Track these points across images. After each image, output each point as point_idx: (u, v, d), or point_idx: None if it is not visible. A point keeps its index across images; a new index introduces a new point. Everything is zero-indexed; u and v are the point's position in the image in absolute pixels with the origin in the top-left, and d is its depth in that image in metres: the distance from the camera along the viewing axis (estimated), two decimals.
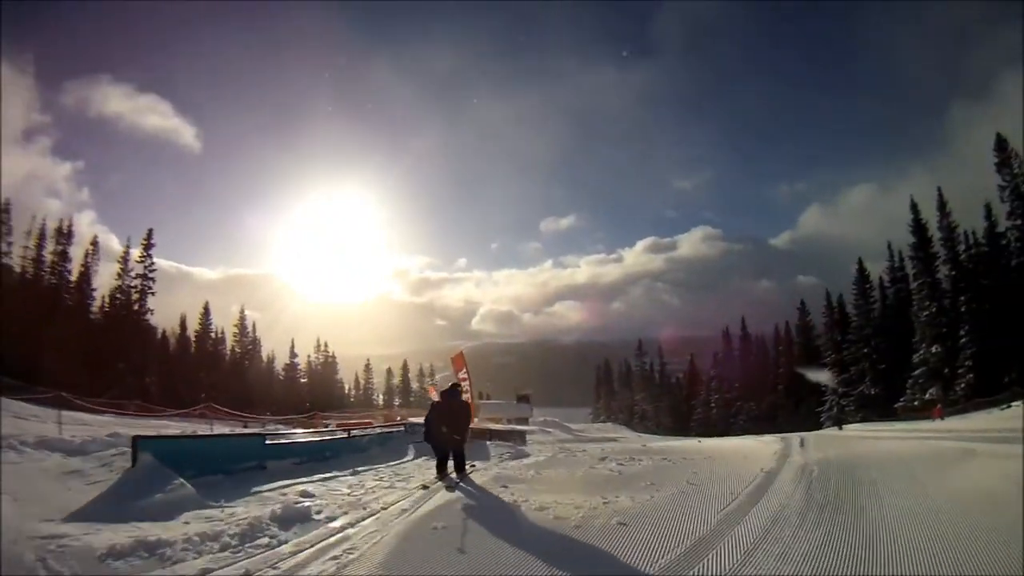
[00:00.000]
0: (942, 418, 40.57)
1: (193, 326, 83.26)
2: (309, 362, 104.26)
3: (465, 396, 21.73)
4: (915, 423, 40.92)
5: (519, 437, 20.37)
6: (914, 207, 64.56)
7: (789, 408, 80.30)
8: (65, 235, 68.15)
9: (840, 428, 45.22)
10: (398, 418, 57.24)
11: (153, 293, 72.94)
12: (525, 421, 55.63)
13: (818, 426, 67.50)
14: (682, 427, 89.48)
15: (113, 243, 71.79)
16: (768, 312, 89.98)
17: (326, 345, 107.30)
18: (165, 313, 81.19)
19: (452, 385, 13.99)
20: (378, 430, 18.69)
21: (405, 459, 15.44)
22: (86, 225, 75.85)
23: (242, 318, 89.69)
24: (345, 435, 16.40)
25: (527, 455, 15.17)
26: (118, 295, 70.84)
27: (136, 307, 71.65)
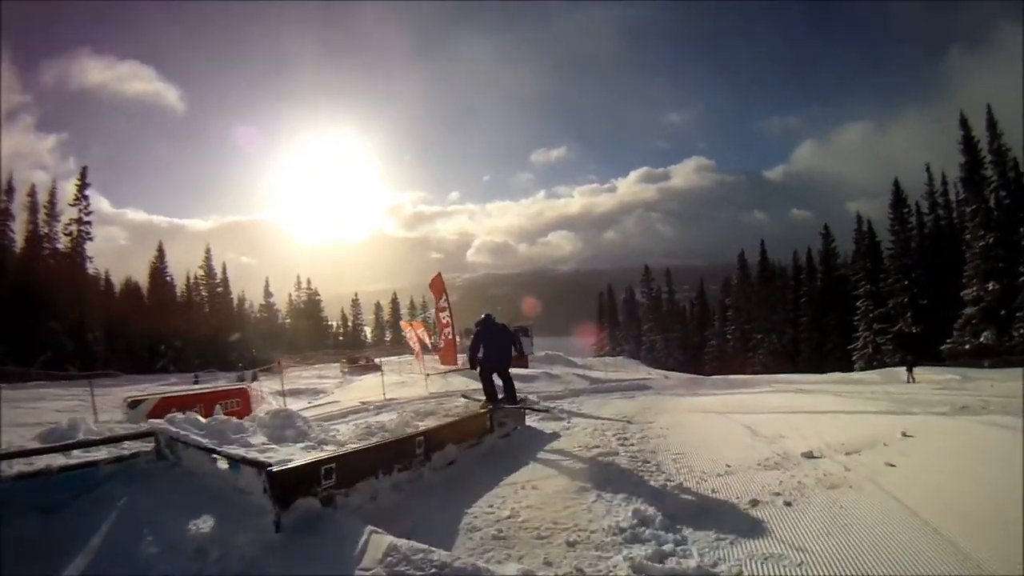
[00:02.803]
0: None
1: (181, 279, 78.11)
2: (291, 301, 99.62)
3: (447, 331, 22.72)
4: (1009, 372, 32.89)
5: (514, 420, 11.12)
6: (963, 123, 56.76)
7: (813, 343, 73.61)
8: (6, 191, 60.09)
9: (910, 375, 36.49)
10: (364, 359, 49.87)
11: (91, 238, 65.00)
12: (524, 361, 47.34)
13: (849, 366, 61.35)
14: (694, 360, 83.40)
15: (104, 205, 64.50)
16: (764, 242, 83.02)
17: (308, 282, 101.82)
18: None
19: (485, 316, 12.05)
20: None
21: None
22: (75, 190, 69.03)
23: (207, 259, 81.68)
24: None
25: None
26: (46, 244, 62.25)
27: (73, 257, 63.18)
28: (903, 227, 63.45)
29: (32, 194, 61.92)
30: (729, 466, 7.12)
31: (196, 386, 29.16)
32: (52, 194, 63.08)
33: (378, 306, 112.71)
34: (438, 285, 29.81)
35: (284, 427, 9.79)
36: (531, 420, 12.15)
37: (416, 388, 21.99)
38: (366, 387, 22.30)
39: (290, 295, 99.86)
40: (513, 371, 13.87)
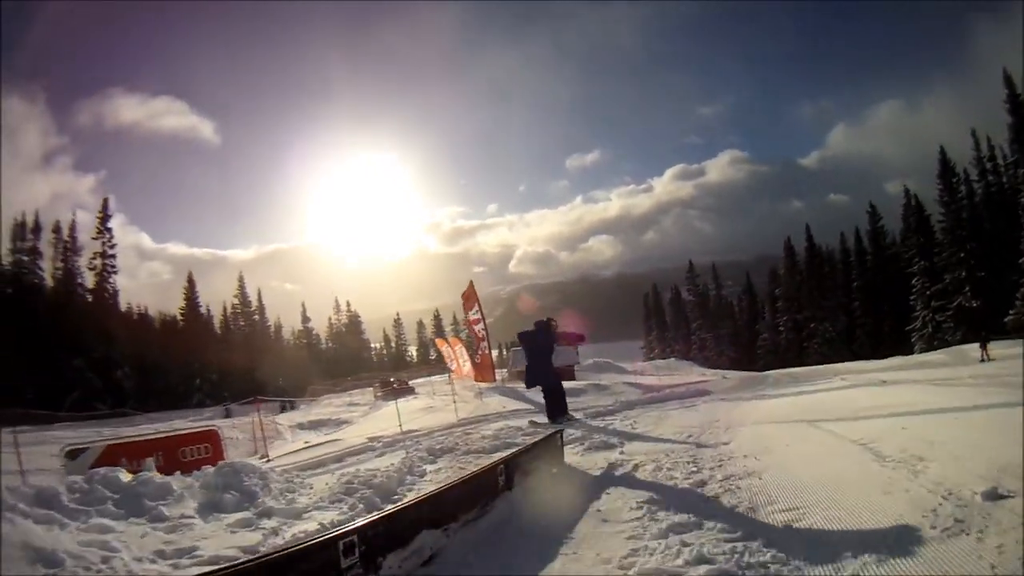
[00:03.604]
0: None
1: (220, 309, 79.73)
2: (331, 324, 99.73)
3: (483, 344, 23.96)
4: None
5: (549, 461, 7.98)
6: (1008, 80, 53.94)
7: (868, 328, 70.55)
8: (32, 231, 60.42)
9: (985, 351, 33.01)
10: (398, 382, 46.43)
11: (116, 271, 65.44)
12: (571, 372, 44.23)
13: (908, 349, 58.29)
14: (747, 357, 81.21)
15: (145, 241, 65.99)
16: (809, 227, 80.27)
17: (348, 304, 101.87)
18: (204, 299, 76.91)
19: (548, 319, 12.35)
20: None
21: None
22: (117, 227, 69.95)
23: (241, 287, 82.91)
24: None
25: None
26: (71, 280, 62.27)
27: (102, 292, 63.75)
28: (953, 197, 60.73)
29: (57, 230, 62.03)
30: (888, 542, 4.18)
31: (153, 429, 26.17)
32: (72, 228, 63.18)
33: (420, 324, 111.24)
34: (470, 295, 27.70)
35: (227, 487, 7.60)
36: (573, 451, 9.78)
37: (445, 414, 19.45)
38: (391, 415, 19.69)
39: (330, 319, 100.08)
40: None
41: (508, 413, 17.78)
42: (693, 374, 46.22)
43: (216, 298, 79.75)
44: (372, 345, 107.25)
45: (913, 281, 63.16)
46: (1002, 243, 54.40)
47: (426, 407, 22.95)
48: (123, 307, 68.24)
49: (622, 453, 9.43)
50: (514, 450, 8.02)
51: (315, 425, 27.31)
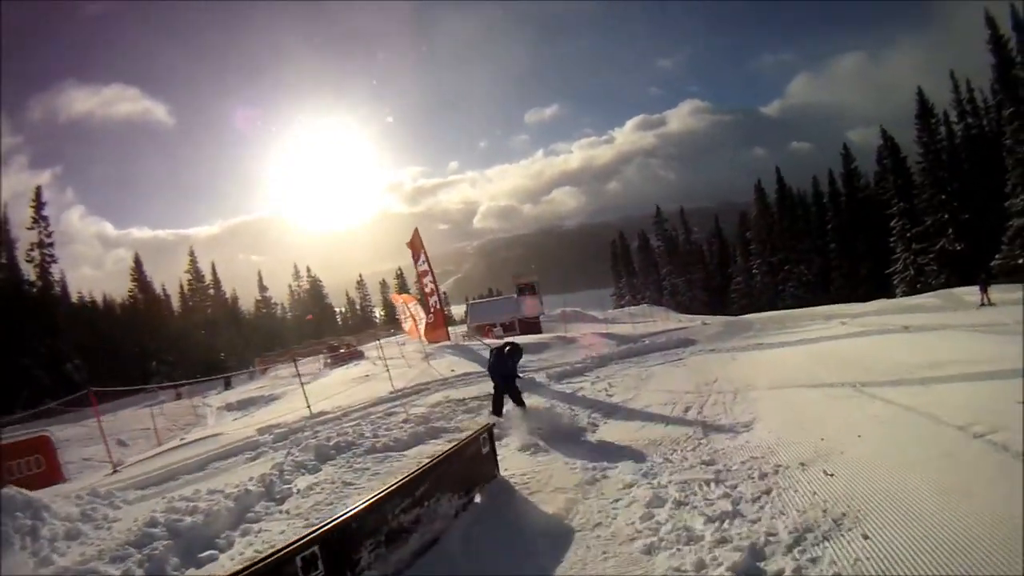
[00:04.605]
0: None
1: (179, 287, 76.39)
2: (291, 292, 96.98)
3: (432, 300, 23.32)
4: None
5: (461, 490, 5.39)
6: (990, 21, 50.97)
7: (845, 270, 68.33)
8: None
9: (985, 295, 30.31)
10: (345, 347, 44.46)
11: (54, 260, 59.84)
12: (537, 325, 40.61)
13: (888, 291, 56.32)
14: (721, 301, 79.92)
15: (107, 229, 60.80)
16: (779, 169, 78.11)
17: (308, 270, 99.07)
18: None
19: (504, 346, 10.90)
20: None
21: None
22: (77, 219, 65.62)
23: (193, 262, 78.17)
24: None
25: None
26: (17, 276, 56.14)
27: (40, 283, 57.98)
28: (932, 138, 57.40)
29: None
30: None
31: None
32: (5, 222, 56.95)
33: (384, 284, 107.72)
34: (415, 245, 24.62)
35: None
36: (521, 449, 7.00)
37: (380, 384, 16.03)
38: (322, 388, 16.53)
39: (289, 286, 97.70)
40: (522, 339, 9.79)
41: (454, 380, 14.56)
42: (670, 320, 43.18)
43: (177, 279, 75.23)
44: (337, 309, 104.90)
45: (892, 223, 60.73)
46: (984, 186, 51.87)
47: (363, 375, 19.70)
48: (74, 297, 64.01)
49: (595, 448, 6.60)
50: (371, 497, 4.23)
51: (244, 405, 23.96)
